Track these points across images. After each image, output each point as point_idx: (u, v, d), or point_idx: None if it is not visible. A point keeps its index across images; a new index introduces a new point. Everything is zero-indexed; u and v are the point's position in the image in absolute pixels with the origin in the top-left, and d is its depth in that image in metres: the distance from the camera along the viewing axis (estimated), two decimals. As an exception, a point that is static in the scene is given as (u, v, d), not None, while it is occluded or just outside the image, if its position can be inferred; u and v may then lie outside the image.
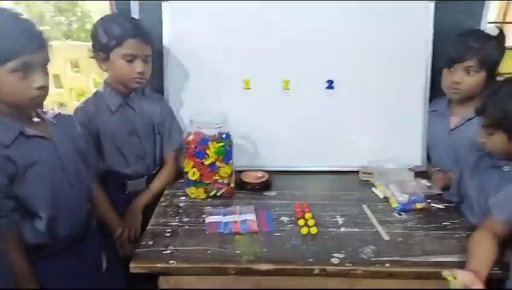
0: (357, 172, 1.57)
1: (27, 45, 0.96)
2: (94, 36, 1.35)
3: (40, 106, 1.07)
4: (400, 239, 1.16)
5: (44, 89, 1.01)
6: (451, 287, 0.95)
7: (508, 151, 1.13)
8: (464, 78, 1.39)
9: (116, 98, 1.40)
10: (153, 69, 1.43)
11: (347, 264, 1.05)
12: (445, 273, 0.97)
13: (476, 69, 1.37)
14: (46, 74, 1.02)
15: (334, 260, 1.06)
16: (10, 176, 0.98)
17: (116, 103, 1.40)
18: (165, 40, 1.55)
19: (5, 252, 0.95)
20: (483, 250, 1.04)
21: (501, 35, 1.38)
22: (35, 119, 1.08)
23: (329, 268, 1.05)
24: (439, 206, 1.35)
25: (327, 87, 1.58)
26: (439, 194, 1.40)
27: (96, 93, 1.43)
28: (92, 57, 1.38)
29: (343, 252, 1.10)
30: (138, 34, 1.32)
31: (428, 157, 1.61)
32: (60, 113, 1.18)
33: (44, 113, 1.13)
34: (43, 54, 1.00)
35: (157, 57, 1.52)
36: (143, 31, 1.35)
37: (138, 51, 1.33)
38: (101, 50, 1.34)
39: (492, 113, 1.10)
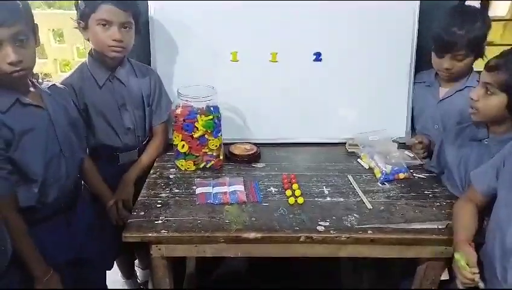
0: (344, 144, 1.60)
1: None
2: (76, 5, 1.32)
3: (23, 78, 1.05)
4: (382, 207, 1.21)
5: (17, 64, 0.99)
6: (462, 268, 0.98)
7: (495, 116, 1.14)
8: (454, 63, 1.40)
9: (102, 72, 1.38)
10: (140, 41, 1.41)
11: (332, 232, 1.10)
12: (457, 257, 1.00)
13: (465, 56, 1.38)
14: (21, 47, 0.99)
15: (320, 228, 1.11)
16: (6, 141, 1.02)
17: (103, 77, 1.38)
18: (151, 11, 1.52)
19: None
20: (468, 220, 1.09)
21: (484, 8, 1.38)
22: (31, 89, 1.10)
23: (314, 236, 1.10)
24: (421, 176, 1.40)
25: (314, 60, 1.58)
26: (422, 165, 1.45)
27: (81, 67, 1.39)
28: (76, 28, 1.35)
29: (328, 220, 1.14)
30: None
31: (413, 128, 1.64)
32: (54, 84, 1.21)
33: (40, 83, 1.15)
34: (10, 28, 0.96)
35: (144, 29, 1.51)
36: None
37: (113, 16, 1.27)
38: (81, 18, 1.31)
39: (507, 74, 1.07)
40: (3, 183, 1.02)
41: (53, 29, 3.37)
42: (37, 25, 1.07)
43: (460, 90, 1.45)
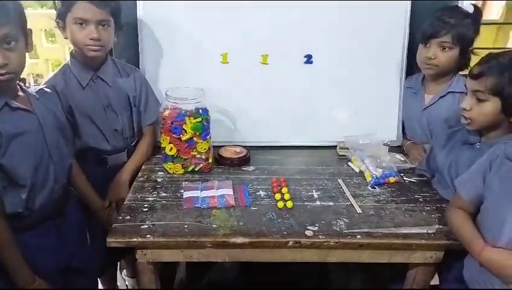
0: (335, 147, 1.59)
1: None
2: (54, 5, 1.30)
3: (11, 82, 1.02)
4: (371, 212, 1.20)
5: (3, 67, 0.96)
6: None
7: (491, 122, 1.12)
8: (438, 53, 1.40)
9: (85, 72, 1.35)
10: (128, 42, 1.38)
11: (320, 237, 1.09)
12: None
13: (451, 45, 1.38)
14: (8, 50, 0.97)
15: (308, 233, 1.10)
16: None
17: (86, 77, 1.35)
18: (140, 12, 1.51)
19: None
20: (471, 228, 1.04)
21: (476, 12, 1.39)
22: (20, 93, 1.08)
23: (303, 240, 1.08)
24: (412, 180, 1.39)
25: (305, 62, 1.57)
26: (412, 168, 1.44)
27: (64, 68, 1.37)
28: (57, 28, 1.32)
29: (317, 225, 1.13)
30: None
31: (403, 132, 1.63)
32: (42, 89, 1.19)
33: (27, 87, 1.13)
34: None
35: (132, 29, 1.48)
36: None
37: (89, 14, 1.24)
38: (59, 18, 1.28)
39: (495, 78, 1.04)
40: None
41: (45, 30, 3.34)
42: (30, 29, 1.05)
43: (443, 96, 1.46)
